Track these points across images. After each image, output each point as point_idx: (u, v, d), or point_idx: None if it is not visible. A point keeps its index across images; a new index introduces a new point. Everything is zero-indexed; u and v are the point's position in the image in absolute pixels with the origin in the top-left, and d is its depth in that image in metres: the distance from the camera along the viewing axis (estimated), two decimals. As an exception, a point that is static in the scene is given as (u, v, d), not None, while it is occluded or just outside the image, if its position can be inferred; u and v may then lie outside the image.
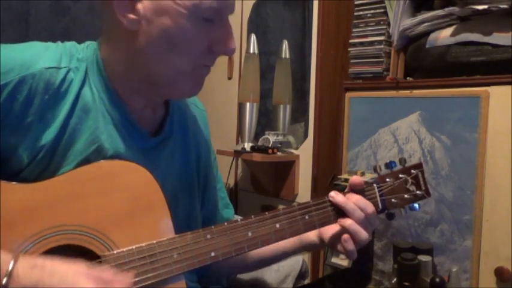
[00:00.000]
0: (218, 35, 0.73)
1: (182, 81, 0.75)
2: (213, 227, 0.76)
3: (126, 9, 0.69)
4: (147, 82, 0.76)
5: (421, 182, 0.95)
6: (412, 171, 0.95)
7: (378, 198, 0.90)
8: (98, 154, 0.73)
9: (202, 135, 0.96)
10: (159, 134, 0.83)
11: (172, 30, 0.70)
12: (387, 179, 0.93)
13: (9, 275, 0.57)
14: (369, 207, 0.84)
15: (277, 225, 0.80)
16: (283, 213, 0.82)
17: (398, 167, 0.95)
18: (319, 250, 1.67)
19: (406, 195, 0.93)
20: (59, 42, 0.77)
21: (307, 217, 0.84)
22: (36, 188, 0.67)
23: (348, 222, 0.83)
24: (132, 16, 0.70)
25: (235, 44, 0.75)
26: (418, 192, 0.94)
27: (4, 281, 0.56)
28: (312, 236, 0.93)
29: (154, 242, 0.70)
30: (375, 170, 0.93)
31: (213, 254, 0.74)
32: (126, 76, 0.76)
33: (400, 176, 0.94)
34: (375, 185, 0.92)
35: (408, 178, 0.94)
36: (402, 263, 1.33)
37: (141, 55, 0.73)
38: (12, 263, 0.58)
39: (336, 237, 0.88)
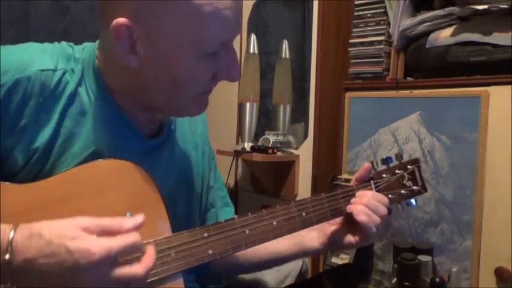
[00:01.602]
0: (223, 63, 0.72)
1: (186, 107, 0.77)
2: (210, 224, 0.76)
3: (126, 49, 0.68)
4: (149, 106, 0.77)
5: (418, 178, 0.96)
6: (409, 166, 0.95)
7: None
8: (94, 158, 0.73)
9: (202, 135, 0.96)
10: (158, 136, 0.83)
11: (176, 70, 0.69)
12: (384, 175, 0.93)
13: (10, 249, 0.55)
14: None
15: (274, 223, 0.81)
16: (280, 210, 0.82)
17: (395, 162, 0.95)
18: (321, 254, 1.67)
19: (402, 191, 0.94)
20: (56, 43, 0.77)
21: (304, 214, 0.84)
22: (32, 188, 0.67)
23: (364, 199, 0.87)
24: (132, 56, 0.69)
25: (238, 71, 0.75)
26: (414, 187, 0.94)
27: (7, 257, 0.54)
28: (313, 242, 0.94)
29: (152, 240, 0.70)
30: (372, 165, 0.93)
31: (210, 251, 0.74)
32: (127, 95, 0.76)
33: (397, 171, 0.94)
34: (371, 181, 0.92)
35: (405, 174, 0.94)
36: (402, 263, 1.33)
37: (142, 88, 0.73)
38: (12, 234, 0.55)
39: (338, 233, 0.90)
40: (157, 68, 0.69)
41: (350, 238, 0.89)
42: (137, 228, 0.61)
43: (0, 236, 0.56)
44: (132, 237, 0.60)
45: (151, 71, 0.70)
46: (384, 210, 0.86)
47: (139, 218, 0.62)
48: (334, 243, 0.93)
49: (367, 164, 0.92)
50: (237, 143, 2.08)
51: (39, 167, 0.71)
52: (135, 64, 0.69)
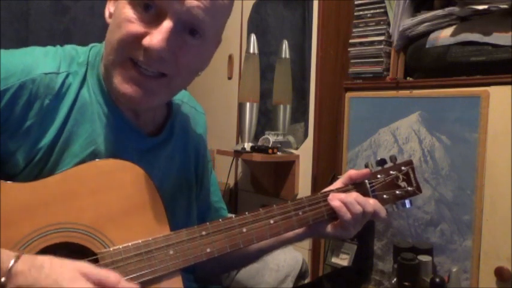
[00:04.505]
0: (151, 29, 0.68)
1: (114, 74, 0.71)
2: (208, 223, 0.76)
3: (110, 3, 0.75)
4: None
5: (412, 179, 0.97)
6: (403, 168, 0.97)
7: (370, 194, 0.92)
8: (94, 157, 0.74)
9: (201, 138, 0.96)
10: (159, 135, 0.84)
11: (118, 12, 0.70)
12: (378, 176, 0.94)
13: (8, 273, 0.56)
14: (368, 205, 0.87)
15: (272, 221, 0.82)
16: (277, 209, 0.83)
17: (389, 164, 0.97)
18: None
19: (397, 192, 0.95)
20: (59, 47, 0.78)
21: (300, 213, 0.85)
22: (32, 186, 0.67)
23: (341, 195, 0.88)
24: (111, 10, 0.74)
25: (162, 44, 0.66)
26: (409, 188, 0.96)
27: (2, 279, 0.56)
28: (290, 233, 0.93)
29: (151, 238, 0.71)
30: (366, 167, 0.94)
31: (208, 250, 0.74)
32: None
33: (391, 172, 0.96)
34: (366, 181, 0.93)
35: (399, 175, 0.96)
36: (402, 263, 1.33)
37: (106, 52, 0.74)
38: (12, 261, 0.57)
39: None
40: (113, 18, 0.72)
41: (329, 228, 0.90)
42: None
43: (3, 260, 0.57)
44: None
45: (110, 23, 0.73)
46: (358, 209, 0.86)
47: (135, 286, 0.64)
48: (315, 232, 0.93)
49: (368, 170, 0.93)
50: (237, 143, 2.08)
51: (40, 168, 0.71)
52: (110, 18, 0.74)
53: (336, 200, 0.87)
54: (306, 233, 0.92)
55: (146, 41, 0.66)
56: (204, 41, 0.72)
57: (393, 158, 0.97)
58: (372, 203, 0.88)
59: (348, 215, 0.86)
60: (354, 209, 0.85)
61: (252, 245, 0.94)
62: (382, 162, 0.96)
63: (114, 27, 0.70)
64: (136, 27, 0.67)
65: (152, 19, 0.68)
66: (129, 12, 0.68)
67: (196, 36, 0.70)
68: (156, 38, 0.66)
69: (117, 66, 0.70)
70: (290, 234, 0.91)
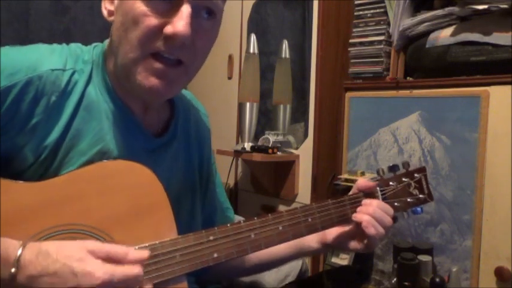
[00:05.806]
0: (169, 18, 0.68)
1: (136, 71, 0.70)
2: (216, 228, 0.75)
3: (106, 1, 0.75)
4: (122, 78, 0.75)
5: (424, 186, 0.96)
6: (416, 175, 0.95)
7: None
8: (102, 155, 0.74)
9: (205, 138, 0.96)
10: (163, 135, 0.84)
11: (128, 7, 0.69)
12: (390, 183, 0.93)
13: (18, 263, 0.56)
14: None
15: (280, 228, 0.80)
16: (286, 215, 0.82)
17: (402, 170, 0.95)
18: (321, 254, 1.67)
19: (409, 199, 0.93)
20: (64, 44, 0.78)
21: (309, 219, 0.84)
22: (39, 187, 0.67)
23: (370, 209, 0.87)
24: (110, 8, 0.73)
25: (186, 29, 0.67)
26: (421, 196, 0.94)
27: (13, 270, 0.56)
28: (312, 242, 0.94)
29: (157, 242, 0.70)
30: (378, 173, 0.93)
31: (215, 255, 0.73)
32: (116, 75, 0.76)
33: (404, 179, 0.94)
34: (378, 188, 0.92)
35: (411, 182, 0.94)
36: (402, 263, 1.33)
37: (113, 47, 0.74)
38: (20, 250, 0.57)
39: (344, 236, 0.90)
40: (118, 14, 0.71)
41: (355, 244, 0.90)
42: (141, 262, 0.63)
43: (9, 251, 0.57)
44: (136, 270, 0.61)
45: (117, 19, 0.72)
46: (389, 221, 0.87)
47: (144, 253, 0.64)
48: (337, 245, 0.93)
49: (375, 183, 0.92)
50: (237, 143, 2.08)
51: (46, 165, 0.71)
52: (111, 17, 0.73)
53: (371, 228, 0.86)
54: (324, 247, 0.94)
55: (169, 30, 0.67)
56: (215, 23, 0.74)
57: (406, 165, 0.95)
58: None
59: (378, 241, 0.87)
60: (382, 234, 0.87)
61: (271, 255, 0.95)
62: (394, 168, 0.94)
63: (128, 24, 0.69)
64: (154, 19, 0.68)
65: (167, 8, 0.68)
66: (141, 6, 0.67)
67: (209, 18, 0.72)
68: (180, 24, 0.66)
69: (139, 63, 0.70)
70: (305, 247, 0.93)
